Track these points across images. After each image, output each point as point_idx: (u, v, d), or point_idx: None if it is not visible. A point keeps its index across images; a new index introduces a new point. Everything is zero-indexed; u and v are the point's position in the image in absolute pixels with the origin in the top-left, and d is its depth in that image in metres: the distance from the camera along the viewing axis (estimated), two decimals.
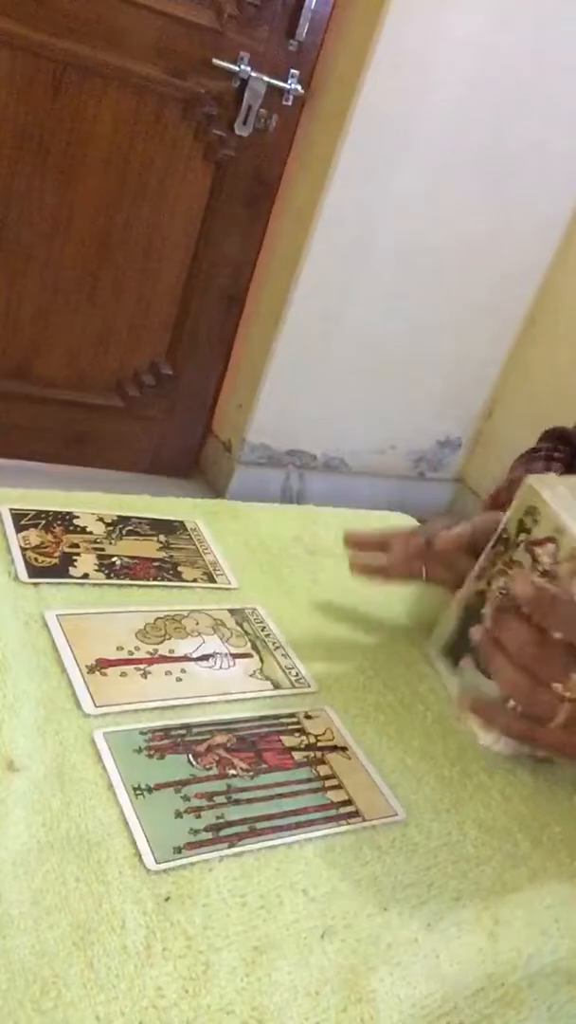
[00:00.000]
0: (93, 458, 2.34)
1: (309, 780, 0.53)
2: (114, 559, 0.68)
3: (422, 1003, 0.43)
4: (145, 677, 0.57)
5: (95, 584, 0.65)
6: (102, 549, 0.68)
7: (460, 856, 0.52)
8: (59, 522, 0.70)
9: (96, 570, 0.66)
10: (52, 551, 0.66)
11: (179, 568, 0.70)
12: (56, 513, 0.71)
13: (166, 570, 0.69)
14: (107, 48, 1.87)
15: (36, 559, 0.65)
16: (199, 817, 0.48)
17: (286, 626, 0.67)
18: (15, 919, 0.40)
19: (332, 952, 0.44)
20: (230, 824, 0.48)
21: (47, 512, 0.70)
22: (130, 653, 0.58)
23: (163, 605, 0.65)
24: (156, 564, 0.69)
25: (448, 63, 2.04)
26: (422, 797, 0.55)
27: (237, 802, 0.50)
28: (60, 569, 0.65)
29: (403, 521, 0.91)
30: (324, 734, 0.57)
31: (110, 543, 0.69)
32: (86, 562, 0.66)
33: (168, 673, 0.58)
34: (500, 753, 0.59)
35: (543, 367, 2.51)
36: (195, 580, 0.69)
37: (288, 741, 0.55)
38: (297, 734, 0.56)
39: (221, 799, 0.50)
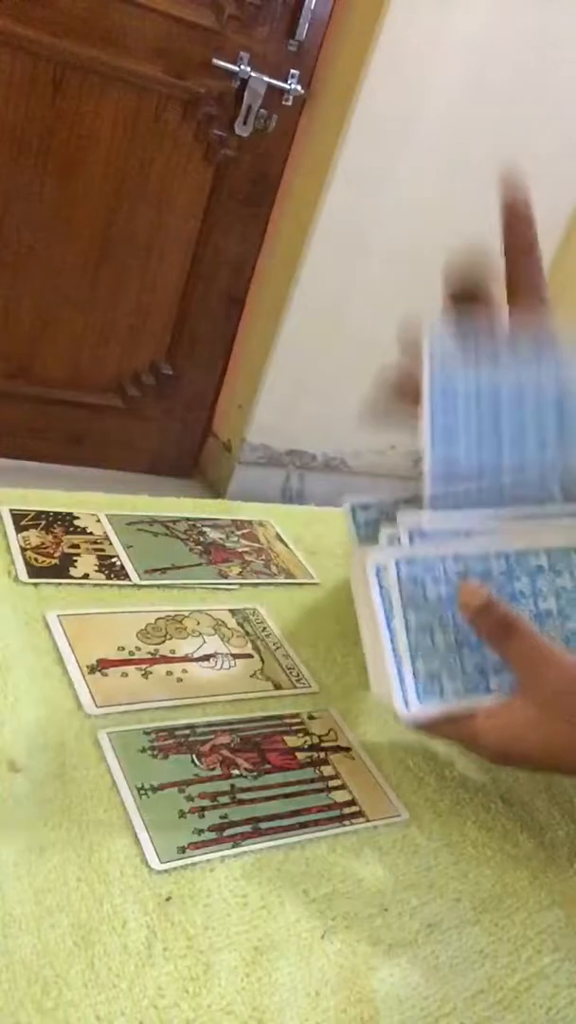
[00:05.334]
0: (93, 458, 2.34)
1: (312, 780, 0.53)
2: (113, 559, 0.68)
3: (422, 1004, 0.43)
4: (146, 677, 0.57)
5: (95, 584, 0.65)
6: (102, 550, 0.68)
7: (461, 857, 0.52)
8: (59, 522, 0.70)
9: (96, 570, 0.66)
10: (52, 551, 0.66)
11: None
12: (56, 513, 0.71)
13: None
14: (107, 48, 1.87)
15: (36, 559, 0.65)
16: (203, 817, 0.48)
17: (287, 626, 0.67)
18: (17, 919, 0.40)
19: (332, 953, 0.44)
20: (234, 824, 0.48)
21: (47, 512, 0.70)
22: (131, 653, 0.59)
23: (163, 605, 0.65)
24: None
25: (448, 63, 2.05)
26: (423, 798, 0.55)
27: (241, 802, 0.50)
28: (60, 569, 0.65)
29: None
30: (327, 734, 0.57)
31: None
32: (86, 562, 0.66)
33: (169, 673, 0.58)
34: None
35: None
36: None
37: (291, 741, 0.55)
38: (300, 734, 0.56)
39: (225, 799, 0.50)
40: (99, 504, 0.74)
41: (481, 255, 0.49)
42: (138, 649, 0.59)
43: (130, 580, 0.66)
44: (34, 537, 0.67)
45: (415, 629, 0.48)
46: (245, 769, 0.52)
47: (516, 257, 0.52)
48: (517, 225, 0.52)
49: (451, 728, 0.49)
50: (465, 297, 0.50)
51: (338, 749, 0.56)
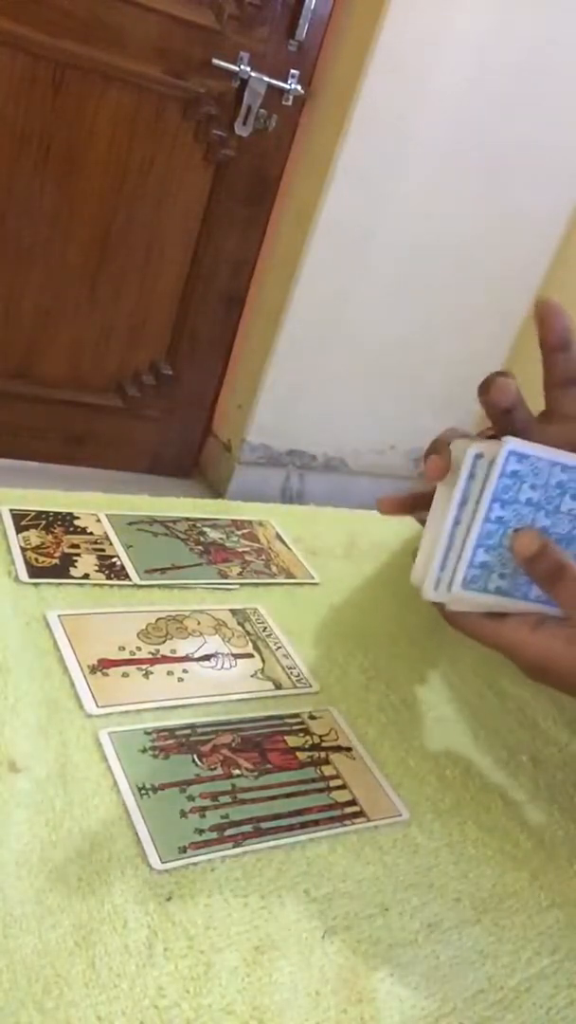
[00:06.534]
0: (93, 458, 2.34)
1: (314, 780, 0.53)
2: (113, 559, 0.68)
3: (422, 1004, 0.43)
4: (147, 677, 0.57)
5: (96, 584, 0.65)
6: (102, 550, 0.69)
7: (461, 857, 0.52)
8: (59, 522, 0.70)
9: (96, 570, 0.66)
10: (52, 551, 0.66)
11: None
12: (56, 513, 0.71)
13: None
14: (107, 48, 1.87)
15: (36, 559, 0.65)
16: (204, 817, 0.48)
17: (287, 626, 0.67)
18: (18, 919, 0.40)
19: (333, 952, 0.44)
20: (235, 824, 0.48)
21: (47, 512, 0.71)
22: (132, 653, 0.59)
23: (164, 605, 0.65)
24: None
25: (448, 63, 2.05)
26: (423, 798, 0.55)
27: (242, 802, 0.50)
28: (60, 569, 0.65)
29: (404, 522, 0.91)
30: (328, 734, 0.57)
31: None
32: (86, 562, 0.66)
33: (170, 673, 0.58)
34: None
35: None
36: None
37: (292, 741, 0.55)
38: (301, 734, 0.56)
39: (226, 799, 0.50)
40: (99, 504, 0.74)
41: (510, 375, 0.51)
42: (139, 649, 0.59)
43: (130, 580, 0.66)
44: (34, 537, 0.67)
45: (494, 521, 0.48)
46: (246, 769, 0.52)
47: (550, 349, 0.53)
48: (551, 325, 0.53)
49: (491, 628, 0.49)
50: (500, 413, 0.52)
51: (339, 749, 0.56)
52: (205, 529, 0.76)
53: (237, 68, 1.99)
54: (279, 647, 0.64)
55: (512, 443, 0.47)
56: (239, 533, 0.77)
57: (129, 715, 0.54)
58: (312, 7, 1.98)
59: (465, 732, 0.62)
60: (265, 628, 0.66)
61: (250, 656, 0.62)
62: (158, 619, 0.63)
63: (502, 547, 0.48)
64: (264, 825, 0.49)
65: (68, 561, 0.66)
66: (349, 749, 0.57)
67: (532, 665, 0.49)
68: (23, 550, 0.65)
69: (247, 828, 0.48)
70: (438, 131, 2.12)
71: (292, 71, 2.05)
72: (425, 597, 0.49)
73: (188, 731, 0.53)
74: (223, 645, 0.62)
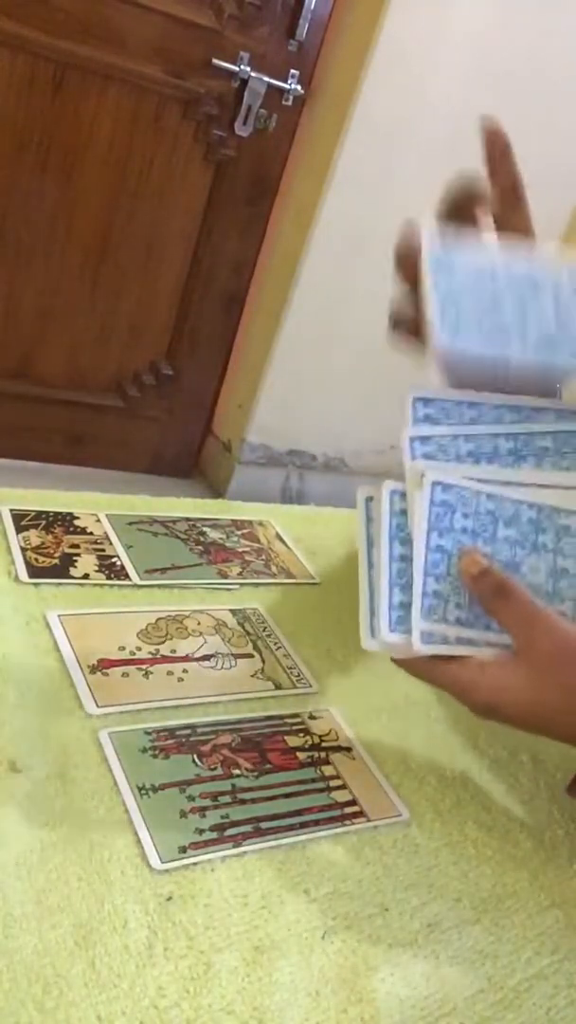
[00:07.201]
0: (93, 458, 2.34)
1: (314, 780, 0.53)
2: (113, 559, 0.68)
3: (422, 1004, 0.43)
4: (147, 677, 0.57)
5: (96, 584, 0.65)
6: (102, 550, 0.69)
7: (461, 857, 0.52)
8: (59, 522, 0.70)
9: (96, 570, 0.66)
10: (52, 551, 0.66)
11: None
12: (56, 513, 0.71)
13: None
14: (107, 48, 1.87)
15: (36, 559, 0.65)
16: (204, 817, 0.48)
17: (287, 626, 0.67)
18: (18, 919, 0.40)
19: (333, 952, 0.44)
20: (235, 824, 0.48)
21: (47, 512, 0.71)
22: (132, 653, 0.59)
23: (164, 605, 0.65)
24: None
25: (448, 63, 2.05)
26: (423, 798, 0.55)
27: (242, 802, 0.50)
28: (60, 569, 0.65)
29: None
30: (328, 734, 0.57)
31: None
32: (86, 563, 0.66)
33: (170, 673, 0.58)
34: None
35: None
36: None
37: (292, 741, 0.55)
38: (301, 734, 0.56)
39: (226, 799, 0.50)
40: (99, 504, 0.74)
41: (473, 175, 0.56)
42: (139, 649, 0.59)
43: (130, 580, 0.66)
44: (34, 537, 0.67)
45: (435, 550, 0.47)
46: (246, 769, 0.52)
47: (494, 160, 0.60)
48: (493, 139, 0.60)
49: (440, 672, 0.47)
50: (456, 210, 0.57)
51: (339, 749, 0.56)
52: (205, 529, 0.76)
53: (237, 68, 1.99)
54: (279, 647, 0.64)
55: (435, 474, 0.48)
56: (239, 533, 0.77)
57: (129, 715, 0.54)
58: (312, 7, 1.98)
59: (465, 732, 0.62)
60: (265, 628, 0.66)
61: (250, 656, 0.62)
62: (158, 619, 0.63)
63: (451, 576, 0.48)
64: (264, 825, 0.49)
65: (68, 561, 0.66)
66: (349, 749, 0.57)
67: (484, 706, 0.47)
68: (23, 550, 0.65)
69: (247, 828, 0.48)
70: (438, 131, 2.12)
71: (292, 71, 2.05)
72: (364, 646, 0.48)
73: (188, 731, 0.53)
74: (223, 645, 0.62)
